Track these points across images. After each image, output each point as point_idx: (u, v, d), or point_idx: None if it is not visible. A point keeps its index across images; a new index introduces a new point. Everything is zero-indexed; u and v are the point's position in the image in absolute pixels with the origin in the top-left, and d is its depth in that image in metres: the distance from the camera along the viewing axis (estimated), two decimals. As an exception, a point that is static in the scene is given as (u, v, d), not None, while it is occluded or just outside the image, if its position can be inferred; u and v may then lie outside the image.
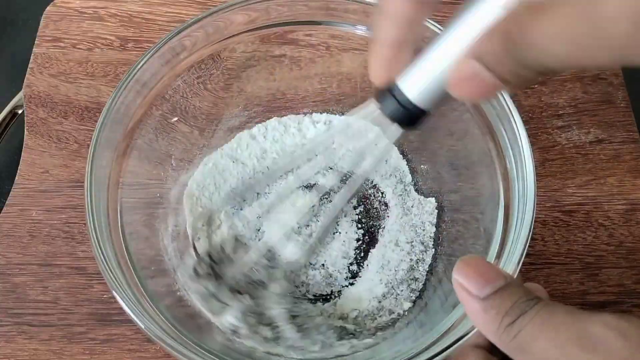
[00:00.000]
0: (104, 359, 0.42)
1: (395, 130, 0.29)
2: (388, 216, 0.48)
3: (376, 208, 0.48)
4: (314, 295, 0.44)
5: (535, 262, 0.46)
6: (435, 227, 0.47)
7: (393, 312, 0.43)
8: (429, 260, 0.45)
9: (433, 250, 0.46)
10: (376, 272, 0.45)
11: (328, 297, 0.44)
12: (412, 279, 0.45)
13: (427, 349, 0.34)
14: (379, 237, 0.47)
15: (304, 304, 0.44)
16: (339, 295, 0.44)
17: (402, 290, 0.44)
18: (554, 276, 0.46)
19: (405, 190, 0.49)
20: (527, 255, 0.46)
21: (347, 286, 0.45)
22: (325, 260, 0.45)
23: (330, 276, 0.45)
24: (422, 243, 0.46)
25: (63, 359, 0.43)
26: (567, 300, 0.45)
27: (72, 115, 0.51)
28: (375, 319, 0.43)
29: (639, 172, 0.50)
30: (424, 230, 0.47)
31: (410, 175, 0.49)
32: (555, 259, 0.47)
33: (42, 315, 0.44)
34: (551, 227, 0.48)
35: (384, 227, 0.47)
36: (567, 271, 0.46)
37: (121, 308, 0.35)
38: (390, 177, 0.49)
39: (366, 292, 0.44)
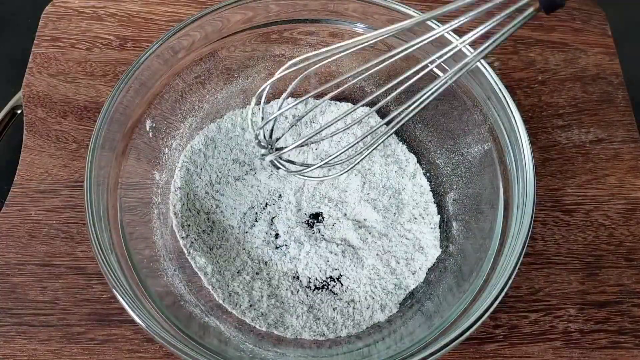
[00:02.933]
0: (103, 359, 0.42)
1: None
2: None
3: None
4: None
5: (535, 261, 0.46)
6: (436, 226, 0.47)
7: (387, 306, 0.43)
8: (432, 260, 0.45)
9: (434, 250, 0.46)
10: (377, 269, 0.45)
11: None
12: (412, 278, 0.45)
13: (424, 348, 0.34)
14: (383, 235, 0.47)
15: None
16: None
17: (399, 290, 0.44)
18: (554, 276, 0.46)
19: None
20: (528, 254, 0.46)
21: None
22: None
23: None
24: (422, 244, 0.46)
25: (62, 359, 0.42)
26: (566, 300, 0.45)
27: (71, 115, 0.51)
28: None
29: (639, 171, 0.50)
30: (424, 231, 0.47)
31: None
32: (555, 258, 0.46)
33: (42, 315, 0.44)
34: (551, 227, 0.48)
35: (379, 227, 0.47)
36: (567, 271, 0.46)
37: (120, 308, 0.35)
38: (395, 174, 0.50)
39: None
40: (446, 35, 0.35)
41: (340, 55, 0.36)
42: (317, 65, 0.38)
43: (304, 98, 0.40)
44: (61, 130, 0.51)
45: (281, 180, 0.49)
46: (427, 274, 0.45)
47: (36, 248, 0.46)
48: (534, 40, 0.56)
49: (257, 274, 0.45)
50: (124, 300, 0.35)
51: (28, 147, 0.50)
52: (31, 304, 0.44)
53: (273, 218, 0.48)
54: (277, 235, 0.47)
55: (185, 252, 0.44)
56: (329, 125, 0.38)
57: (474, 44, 0.32)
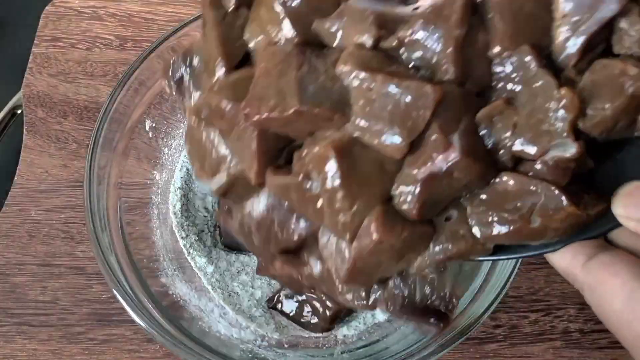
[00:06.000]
0: (103, 359, 0.42)
1: None
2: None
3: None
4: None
5: (535, 261, 0.46)
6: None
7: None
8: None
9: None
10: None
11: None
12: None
13: (424, 348, 0.34)
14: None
15: None
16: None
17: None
18: (554, 276, 0.46)
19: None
20: (527, 254, 0.46)
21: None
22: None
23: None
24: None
25: (62, 359, 0.43)
26: (566, 300, 0.45)
27: (71, 115, 0.51)
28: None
29: None
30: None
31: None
32: (555, 258, 0.46)
33: (42, 315, 0.44)
34: (551, 227, 0.48)
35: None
36: (567, 271, 0.46)
37: (120, 308, 0.35)
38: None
39: None
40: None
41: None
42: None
43: None
44: (61, 130, 0.51)
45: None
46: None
47: (36, 248, 0.46)
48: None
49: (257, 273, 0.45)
50: (124, 300, 0.35)
51: (28, 147, 0.50)
52: (31, 304, 0.44)
53: None
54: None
55: (185, 252, 0.44)
56: None
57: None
